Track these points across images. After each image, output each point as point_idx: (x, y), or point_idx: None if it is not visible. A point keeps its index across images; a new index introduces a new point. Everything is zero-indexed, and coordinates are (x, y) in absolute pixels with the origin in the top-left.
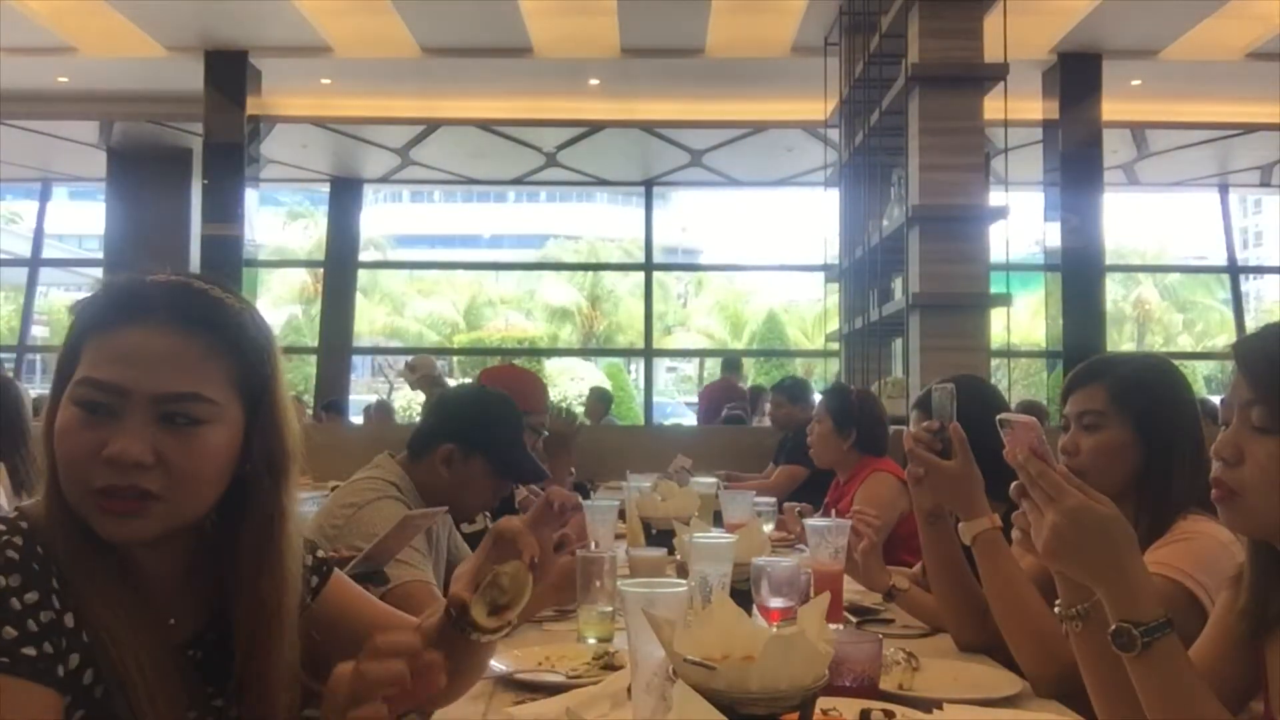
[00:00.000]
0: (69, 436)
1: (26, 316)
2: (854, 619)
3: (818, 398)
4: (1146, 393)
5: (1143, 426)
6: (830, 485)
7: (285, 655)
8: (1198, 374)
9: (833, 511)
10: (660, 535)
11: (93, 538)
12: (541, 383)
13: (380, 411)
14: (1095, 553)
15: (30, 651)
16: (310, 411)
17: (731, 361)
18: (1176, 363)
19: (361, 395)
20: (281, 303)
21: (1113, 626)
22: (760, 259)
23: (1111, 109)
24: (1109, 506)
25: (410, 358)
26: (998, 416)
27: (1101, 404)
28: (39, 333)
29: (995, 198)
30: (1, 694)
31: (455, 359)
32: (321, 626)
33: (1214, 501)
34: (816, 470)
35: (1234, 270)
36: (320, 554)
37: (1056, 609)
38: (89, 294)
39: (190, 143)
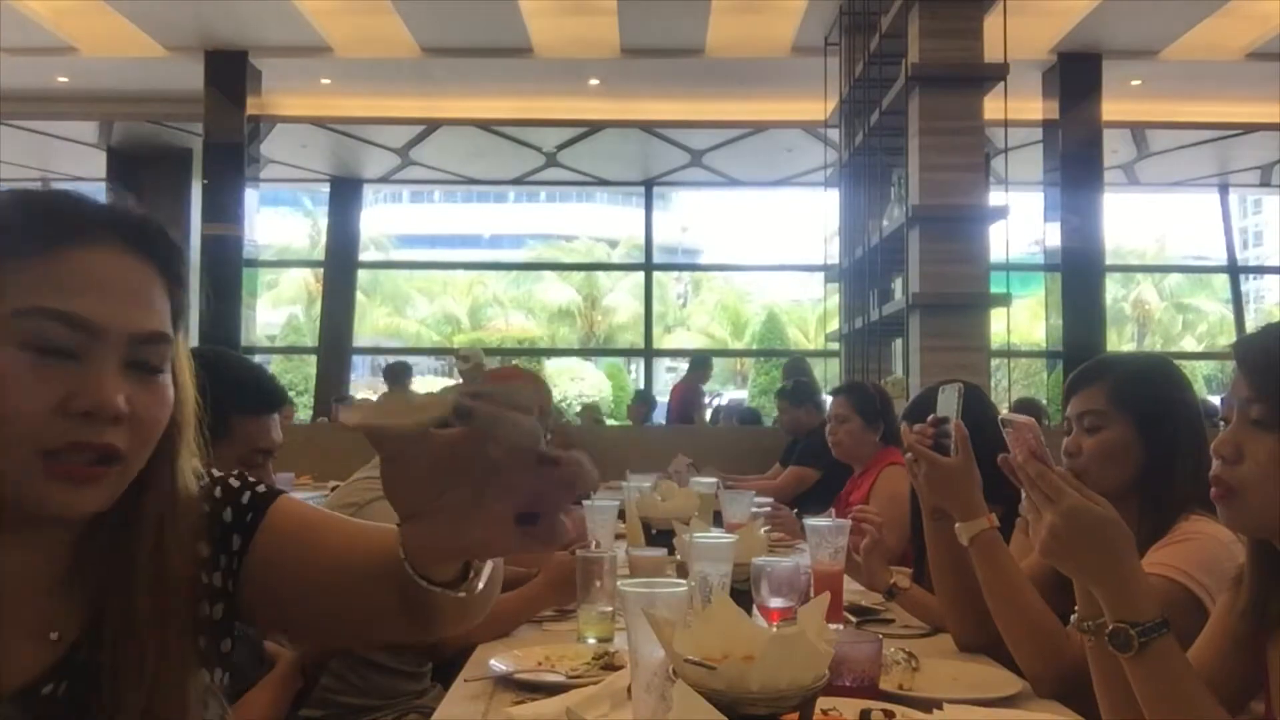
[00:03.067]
0: (11, 384)
1: None
2: (854, 619)
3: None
4: (1147, 392)
5: (1143, 426)
6: (844, 484)
7: (182, 675)
8: (1198, 374)
9: (839, 508)
10: (660, 535)
11: None
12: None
13: None
14: (1092, 553)
15: None
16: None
17: (698, 360)
18: (1177, 363)
19: (362, 396)
20: (281, 303)
21: (1110, 627)
22: (760, 259)
23: (1111, 109)
24: (1106, 508)
25: (461, 350)
26: (1000, 417)
27: (1102, 404)
28: None
29: (995, 198)
30: None
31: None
32: (271, 567)
33: (1213, 500)
34: (827, 473)
35: (1234, 270)
36: (233, 481)
37: (1074, 620)
38: None
39: (190, 143)
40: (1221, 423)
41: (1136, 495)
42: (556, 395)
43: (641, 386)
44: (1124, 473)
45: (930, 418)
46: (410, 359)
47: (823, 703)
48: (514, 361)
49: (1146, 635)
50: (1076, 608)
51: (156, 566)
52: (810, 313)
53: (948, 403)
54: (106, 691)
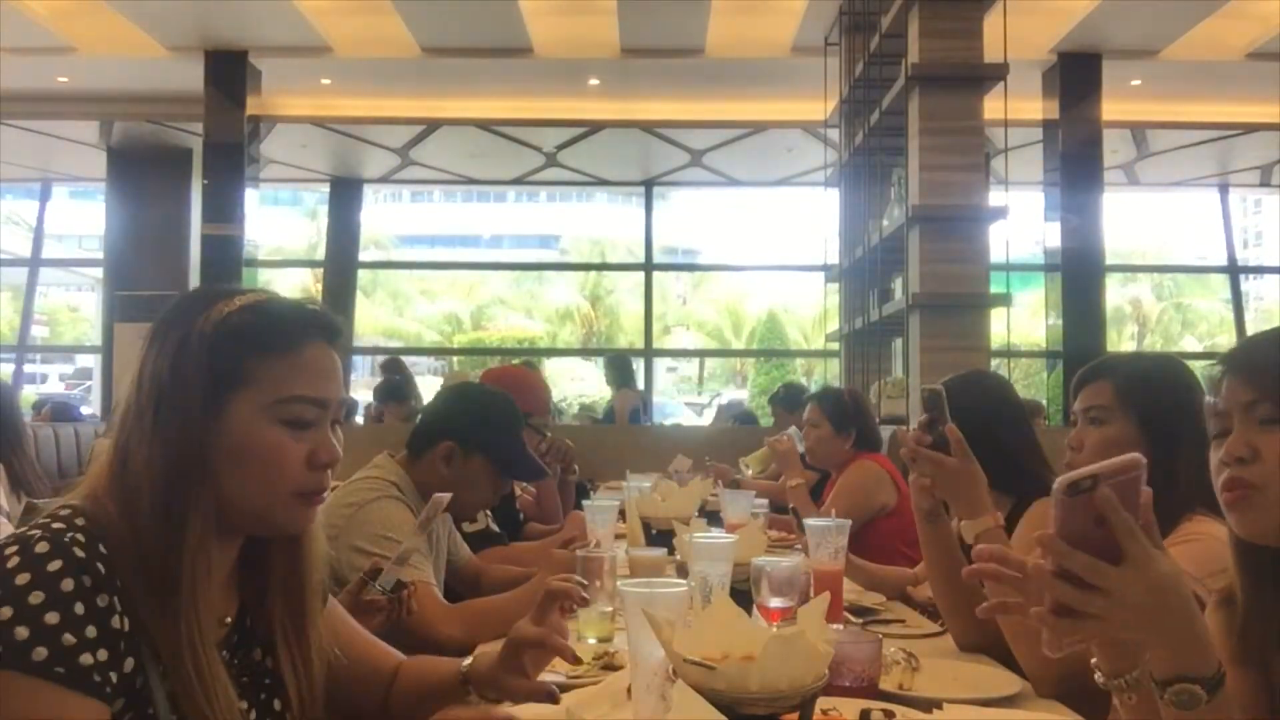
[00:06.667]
0: (282, 452)
1: (26, 316)
2: (854, 619)
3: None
4: (1152, 389)
5: (1146, 423)
6: (825, 485)
7: (320, 648)
8: (1198, 374)
9: (832, 511)
10: (660, 535)
11: (177, 533)
12: (544, 383)
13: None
14: (1171, 614)
15: (88, 660)
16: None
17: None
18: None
19: (362, 395)
20: None
21: (1173, 686)
22: (760, 259)
23: (1111, 109)
24: (1171, 558)
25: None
26: (1064, 483)
27: (1107, 399)
28: (39, 333)
29: (995, 198)
30: (55, 706)
31: (455, 359)
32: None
33: (1230, 505)
34: (824, 475)
35: (1234, 270)
36: None
37: (1097, 678)
38: (233, 313)
39: (190, 143)
40: (1216, 439)
41: None
42: (556, 395)
43: (641, 387)
44: None
45: (919, 421)
46: (410, 359)
47: (823, 703)
48: (514, 361)
49: (1213, 690)
50: (1096, 663)
51: (290, 572)
52: (810, 313)
53: (934, 406)
54: (267, 656)
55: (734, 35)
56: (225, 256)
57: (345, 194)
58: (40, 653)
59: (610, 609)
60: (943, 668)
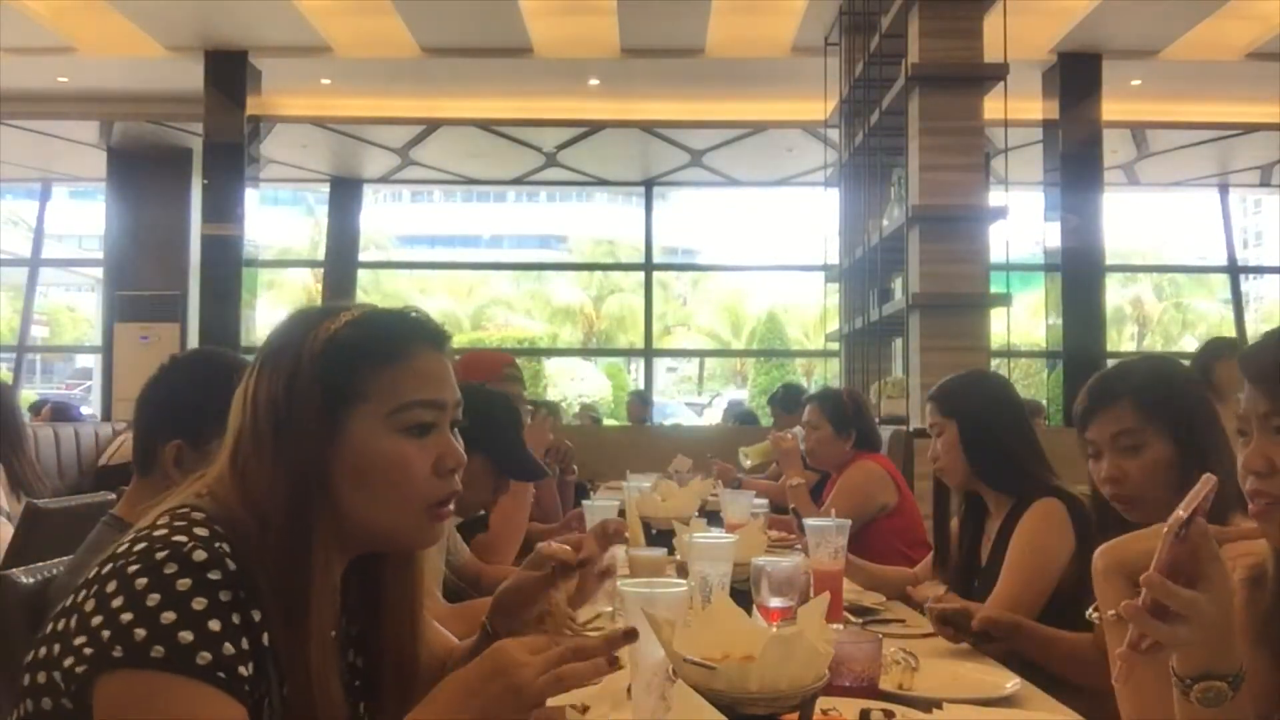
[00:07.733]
0: (407, 461)
1: (26, 316)
2: (854, 619)
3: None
4: (1174, 399)
5: (1179, 434)
6: (825, 486)
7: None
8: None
9: (832, 511)
10: (660, 535)
11: (304, 555)
12: (509, 360)
13: None
14: (1227, 621)
15: (243, 671)
16: None
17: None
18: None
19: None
20: (282, 303)
21: (1200, 683)
22: (760, 259)
23: (1111, 109)
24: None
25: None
26: (1176, 525)
27: (1131, 422)
28: (39, 333)
29: (995, 198)
30: (217, 710)
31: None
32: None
33: (1256, 517)
34: (824, 475)
35: (1234, 270)
36: None
37: (1191, 688)
38: (340, 329)
39: (190, 143)
40: (1242, 437)
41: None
42: (557, 395)
43: (641, 387)
44: (1170, 487)
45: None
46: None
47: (823, 703)
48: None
49: (1236, 687)
50: (1176, 666)
51: (406, 588)
52: (810, 313)
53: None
54: (372, 664)
55: (734, 35)
56: (225, 256)
57: (345, 194)
58: (204, 657)
59: (610, 609)
60: (943, 668)
